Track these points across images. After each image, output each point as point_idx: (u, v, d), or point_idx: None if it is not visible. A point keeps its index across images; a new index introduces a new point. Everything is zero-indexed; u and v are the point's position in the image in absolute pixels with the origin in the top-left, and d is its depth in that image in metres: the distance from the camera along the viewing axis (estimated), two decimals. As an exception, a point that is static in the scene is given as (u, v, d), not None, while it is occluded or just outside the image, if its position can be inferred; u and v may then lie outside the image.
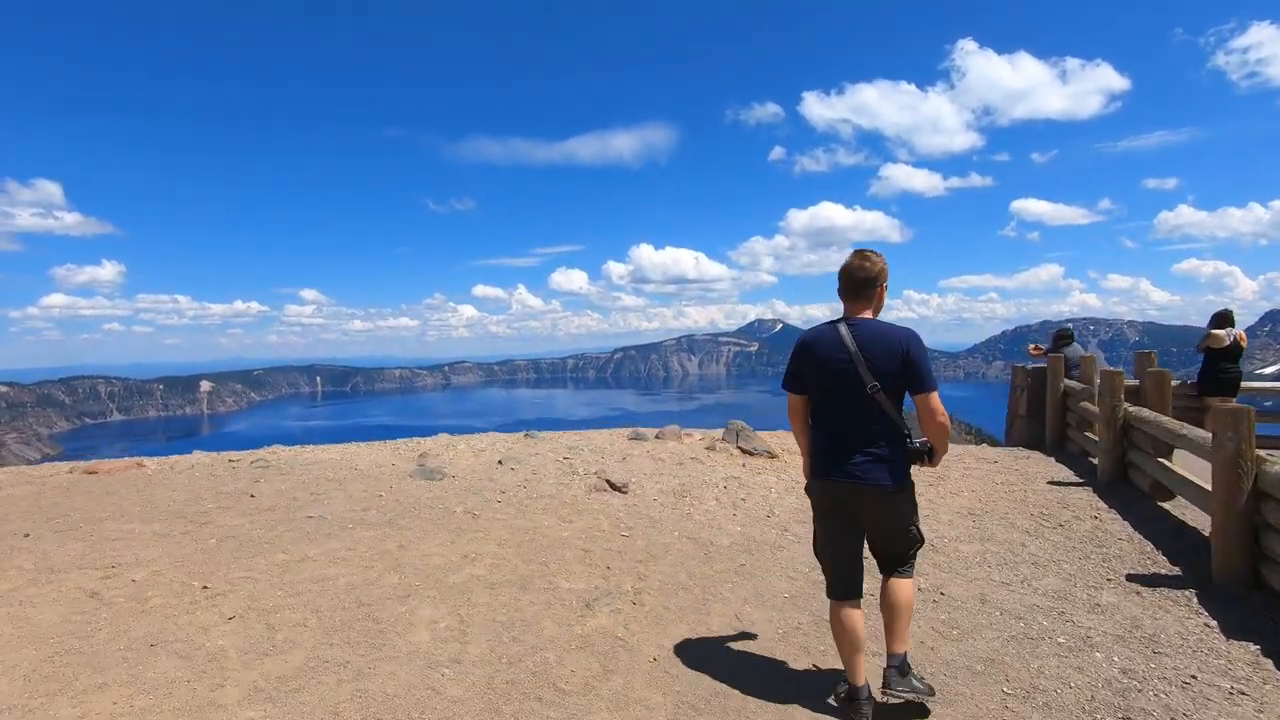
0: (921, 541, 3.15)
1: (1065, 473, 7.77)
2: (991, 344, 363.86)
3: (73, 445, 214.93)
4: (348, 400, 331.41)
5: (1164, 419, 6.19)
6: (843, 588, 3.06)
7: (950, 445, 8.85)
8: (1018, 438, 10.46)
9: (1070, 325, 10.23)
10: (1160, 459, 6.22)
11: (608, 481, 5.93)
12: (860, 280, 3.02)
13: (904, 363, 2.89)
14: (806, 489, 3.18)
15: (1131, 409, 6.80)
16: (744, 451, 7.68)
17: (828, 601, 3.12)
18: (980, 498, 6.55)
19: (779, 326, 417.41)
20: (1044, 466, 8.13)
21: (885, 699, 2.99)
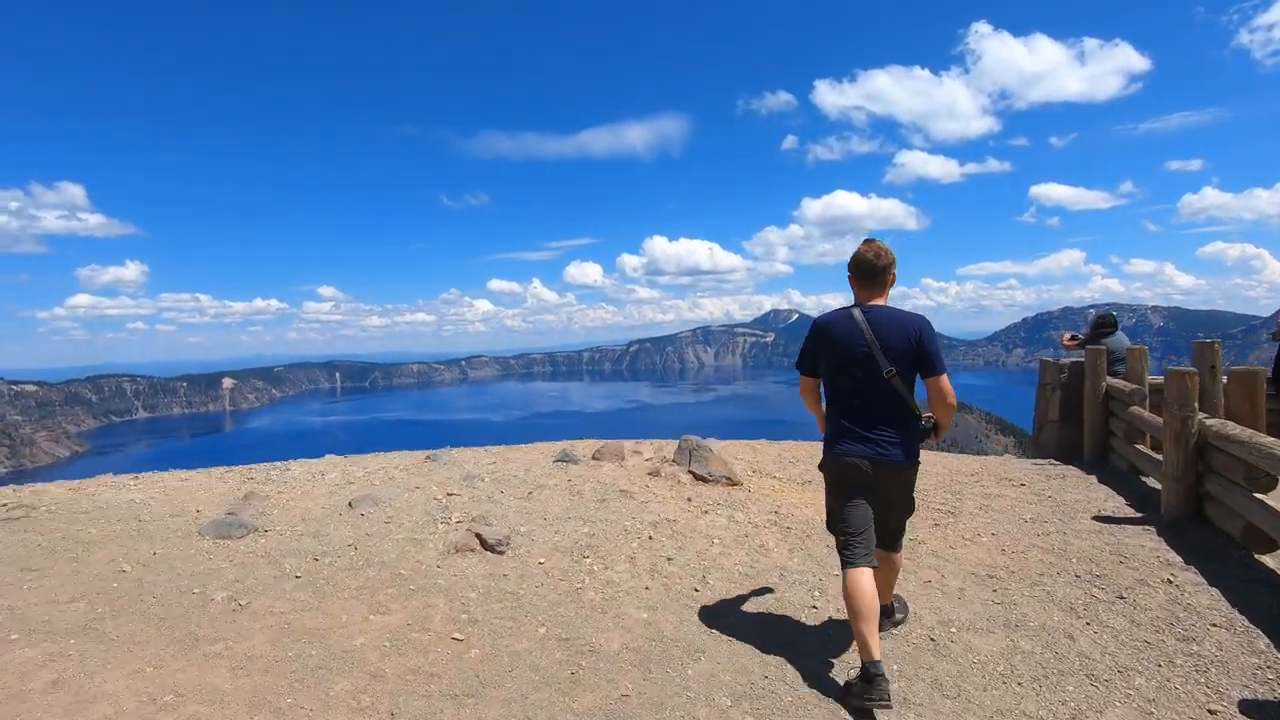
0: (913, 510, 3.44)
1: (1114, 500, 6.01)
2: (1012, 331, 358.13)
3: (100, 443, 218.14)
4: (367, 395, 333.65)
5: (1262, 439, 4.42)
6: (858, 555, 3.14)
7: (968, 458, 7.58)
8: (1048, 447, 8.66)
9: (1113, 311, 8.43)
10: (1258, 494, 4.47)
11: (479, 536, 4.23)
12: (874, 269, 3.19)
13: (917, 348, 3.09)
14: (821, 464, 3.36)
15: (1211, 423, 5.02)
16: (696, 478, 6.00)
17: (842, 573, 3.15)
18: (1003, 545, 4.82)
19: (795, 316, 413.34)
20: (1085, 490, 6.37)
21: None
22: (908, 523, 3.54)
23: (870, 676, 2.87)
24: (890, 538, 3.39)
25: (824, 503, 3.44)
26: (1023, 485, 6.53)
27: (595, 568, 4.07)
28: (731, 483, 5.98)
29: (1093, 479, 6.89)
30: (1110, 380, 7.66)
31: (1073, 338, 8.72)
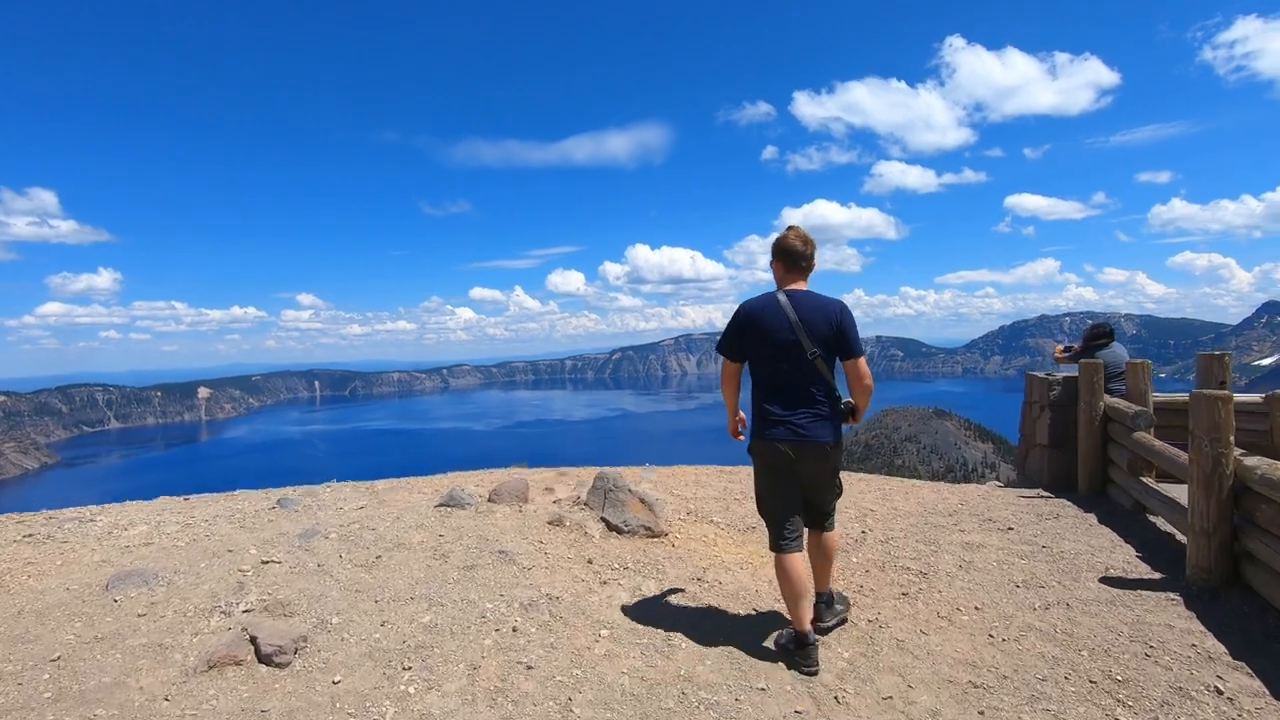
0: (841, 492, 3.61)
1: (1121, 550, 4.88)
2: (989, 339, 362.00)
3: (71, 454, 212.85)
4: (347, 405, 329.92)
5: (1330, 489, 3.32)
6: (787, 540, 3.34)
7: (946, 489, 6.84)
8: (1036, 474, 7.56)
9: (1109, 321, 7.37)
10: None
11: (254, 641, 2.92)
12: (798, 254, 3.33)
13: (838, 331, 3.23)
14: (749, 449, 3.44)
15: (1252, 463, 3.90)
16: (609, 528, 4.79)
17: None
18: (991, 627, 3.66)
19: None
20: (1084, 535, 5.25)
21: (822, 627, 3.42)
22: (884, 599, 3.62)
23: (803, 644, 3.21)
24: (821, 518, 3.50)
25: (763, 551, 3.81)
26: (1010, 529, 5.39)
27: (412, 689, 2.76)
28: (651, 534, 4.78)
29: (1091, 518, 5.78)
30: (1109, 400, 6.57)
31: (1065, 349, 7.64)
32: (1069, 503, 6.35)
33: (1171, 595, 4.04)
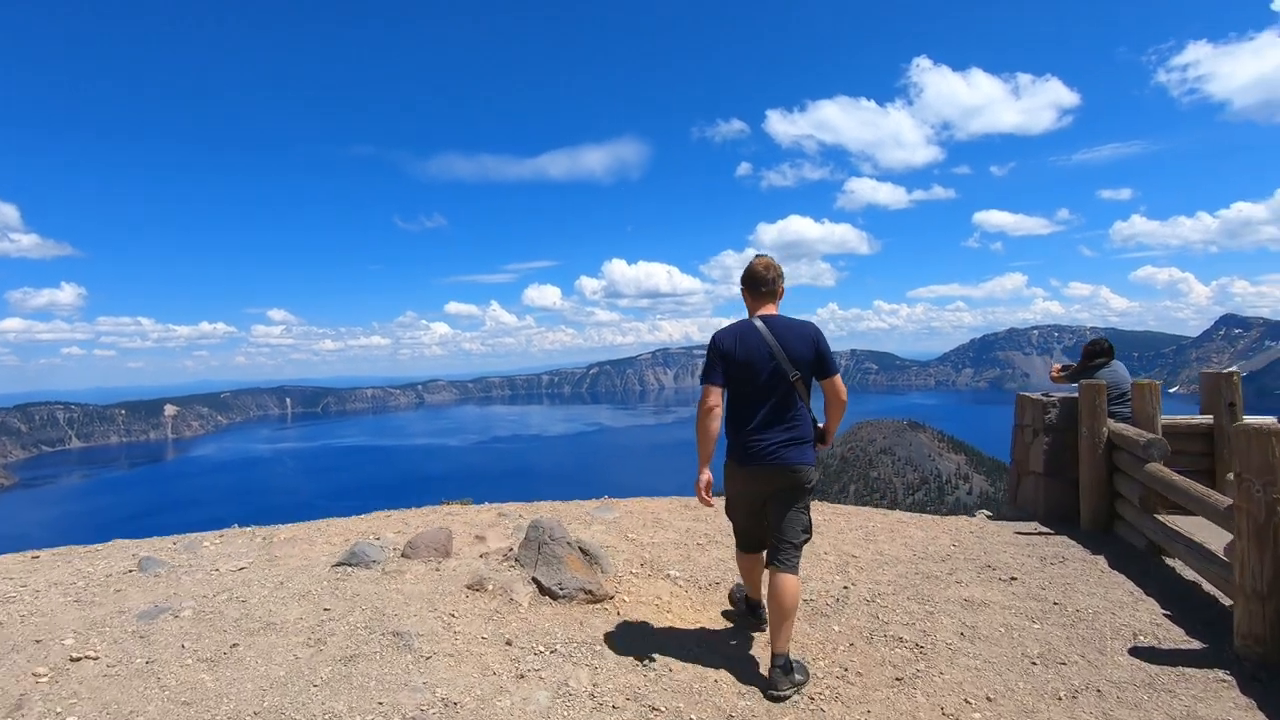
0: (809, 536, 3.42)
1: (1145, 607, 4.15)
2: (961, 352, 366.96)
3: (29, 475, 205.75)
4: (319, 421, 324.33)
5: None
6: (751, 545, 3.62)
7: (934, 524, 6.22)
8: (1030, 505, 6.86)
9: (1104, 338, 6.71)
10: None
11: None
12: (767, 280, 3.44)
13: (816, 352, 3.31)
14: (726, 470, 3.46)
15: (1319, 513, 3.19)
16: (541, 591, 3.94)
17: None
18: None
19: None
20: (1100, 587, 4.51)
21: (776, 695, 3.11)
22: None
23: (754, 608, 3.82)
24: (782, 549, 3.33)
25: (726, 600, 4.08)
26: (1014, 580, 4.64)
27: None
28: (593, 598, 3.93)
29: (1101, 562, 5.06)
30: (1114, 425, 5.88)
31: (1063, 369, 6.97)
32: (1072, 541, 5.64)
33: (1221, 675, 3.30)
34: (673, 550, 5.09)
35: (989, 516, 7.25)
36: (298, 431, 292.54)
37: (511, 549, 4.50)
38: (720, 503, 3.78)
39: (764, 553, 3.49)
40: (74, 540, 5.20)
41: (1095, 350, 6.62)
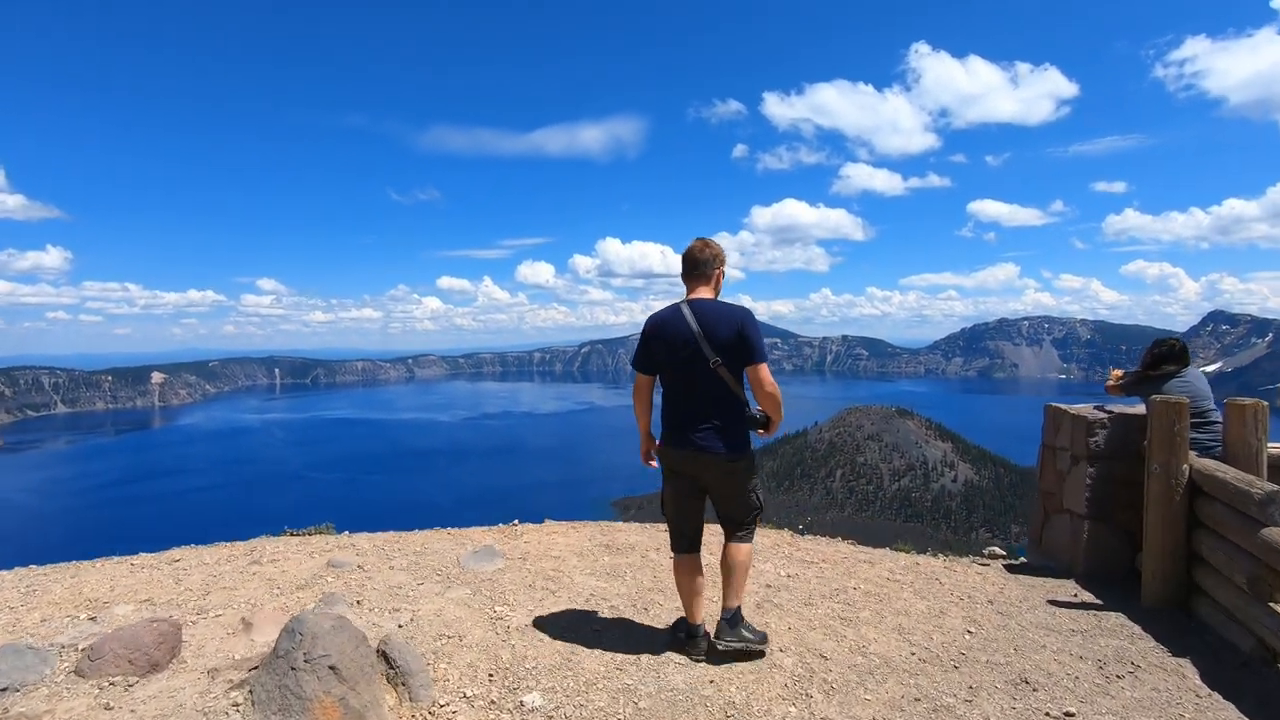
0: (761, 509, 3.39)
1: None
2: (951, 341, 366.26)
3: (14, 439, 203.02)
4: (308, 393, 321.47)
5: None
6: (683, 543, 3.40)
7: (937, 568, 5.08)
8: (1063, 552, 5.21)
9: (1176, 338, 4.98)
10: None
11: None
12: (700, 261, 3.31)
13: (740, 337, 3.14)
14: (657, 454, 3.40)
15: None
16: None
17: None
18: None
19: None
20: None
21: (720, 647, 3.25)
22: None
23: (693, 635, 3.36)
24: (730, 525, 3.36)
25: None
26: (1070, 718, 2.97)
27: None
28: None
29: (1189, 673, 3.42)
30: (1200, 462, 4.20)
31: (1123, 375, 5.22)
32: (1133, 624, 3.99)
33: None
34: (555, 644, 3.38)
35: (1006, 564, 5.60)
36: (286, 402, 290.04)
37: (266, 650, 2.77)
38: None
39: (699, 557, 3.41)
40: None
41: (1163, 353, 4.90)
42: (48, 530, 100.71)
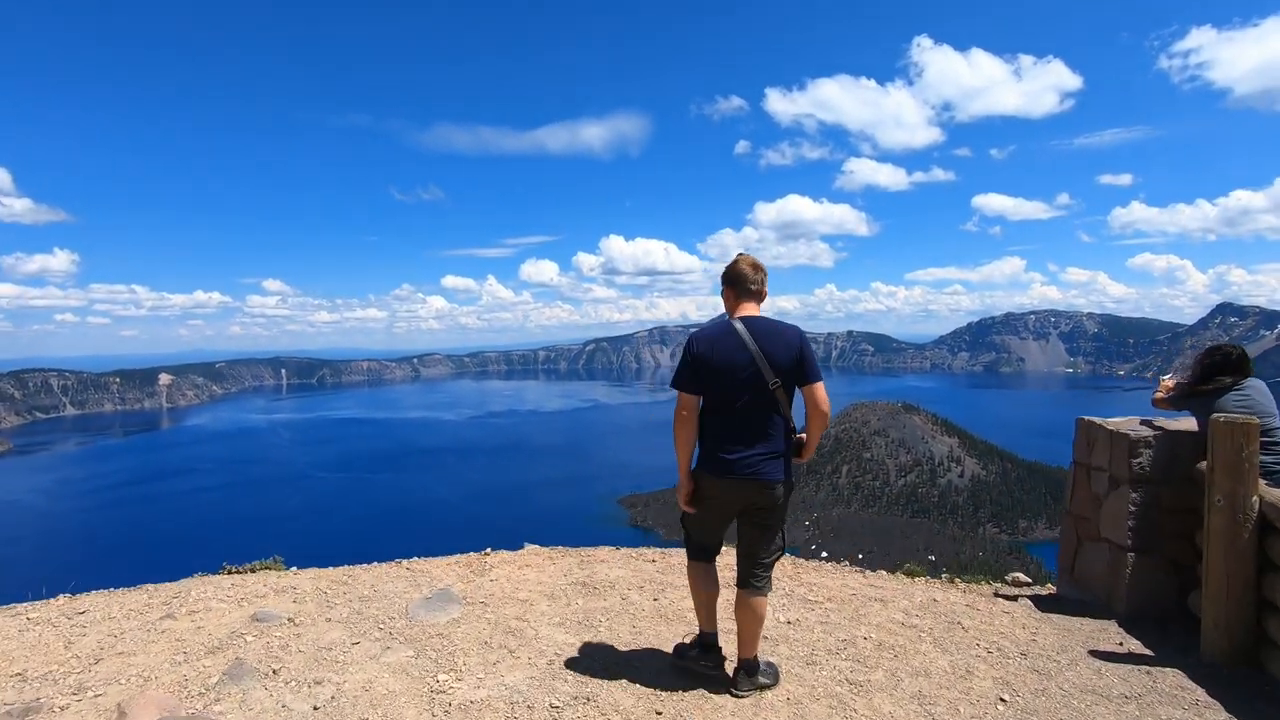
0: (783, 551, 3.27)
1: None
2: (957, 336, 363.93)
3: (23, 441, 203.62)
4: (314, 393, 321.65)
5: None
6: (703, 554, 3.28)
7: (959, 610, 4.45)
8: (1100, 588, 4.59)
9: (1235, 345, 4.35)
10: None
11: None
12: (750, 280, 3.20)
13: (799, 357, 3.05)
14: (694, 477, 3.14)
15: None
16: None
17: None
18: None
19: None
20: None
21: (736, 695, 3.11)
22: None
23: (708, 646, 3.26)
24: (757, 571, 3.19)
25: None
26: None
27: None
28: None
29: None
30: (1273, 494, 3.58)
31: (1169, 386, 4.59)
32: (1199, 689, 3.37)
33: None
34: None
35: (1034, 596, 4.98)
36: (293, 402, 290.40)
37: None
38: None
39: (715, 566, 3.31)
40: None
41: (1217, 362, 4.26)
42: (59, 530, 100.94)
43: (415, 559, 5.23)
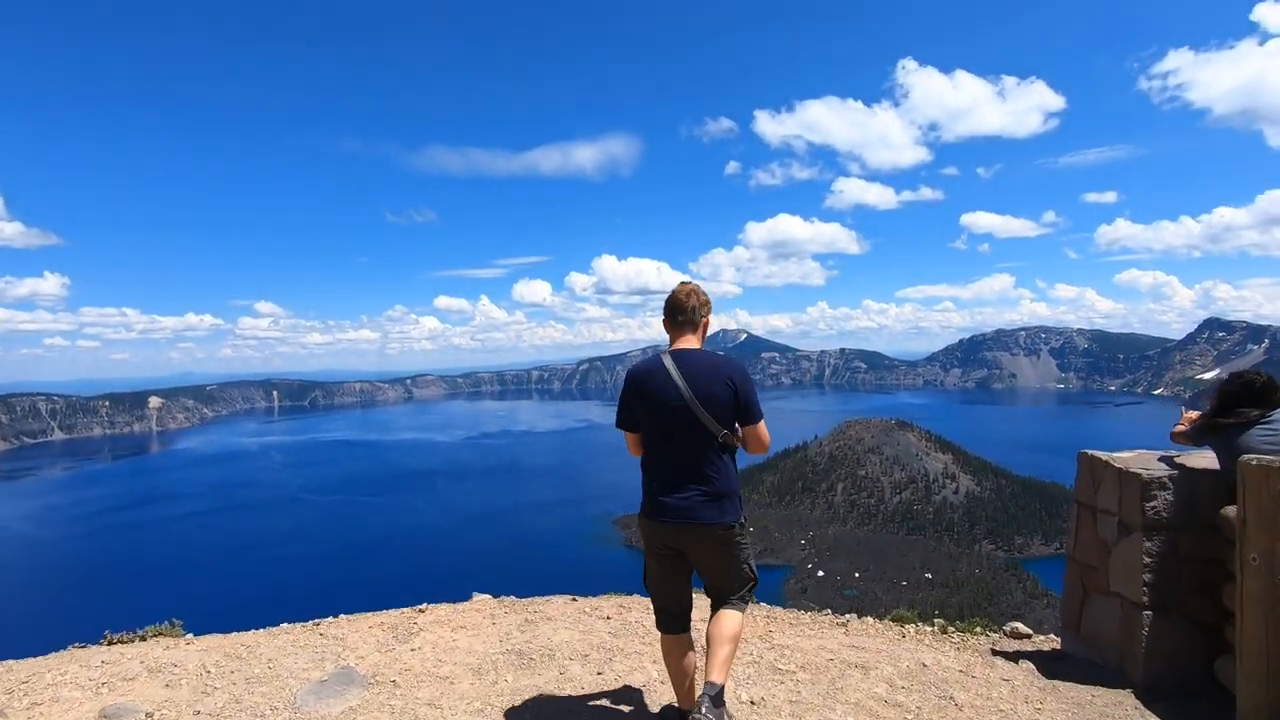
0: (755, 580, 3.07)
1: None
2: (949, 352, 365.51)
3: (10, 466, 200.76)
4: (306, 415, 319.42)
5: None
6: (672, 623, 3.03)
7: (957, 684, 3.84)
8: (1109, 647, 4.03)
9: (1259, 371, 3.80)
10: None
11: None
12: (686, 308, 3.01)
13: (735, 395, 2.88)
14: (639, 527, 3.06)
15: None
16: None
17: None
18: None
19: (743, 337, 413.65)
20: None
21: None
22: None
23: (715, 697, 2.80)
24: (722, 596, 3.00)
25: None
26: None
27: None
28: None
29: None
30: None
31: (1191, 419, 4.02)
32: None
33: None
34: None
35: (1037, 656, 4.40)
36: (284, 425, 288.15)
37: None
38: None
39: (690, 636, 3.05)
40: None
41: (1236, 391, 3.71)
42: (44, 559, 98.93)
43: (339, 618, 4.62)
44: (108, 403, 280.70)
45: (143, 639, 4.22)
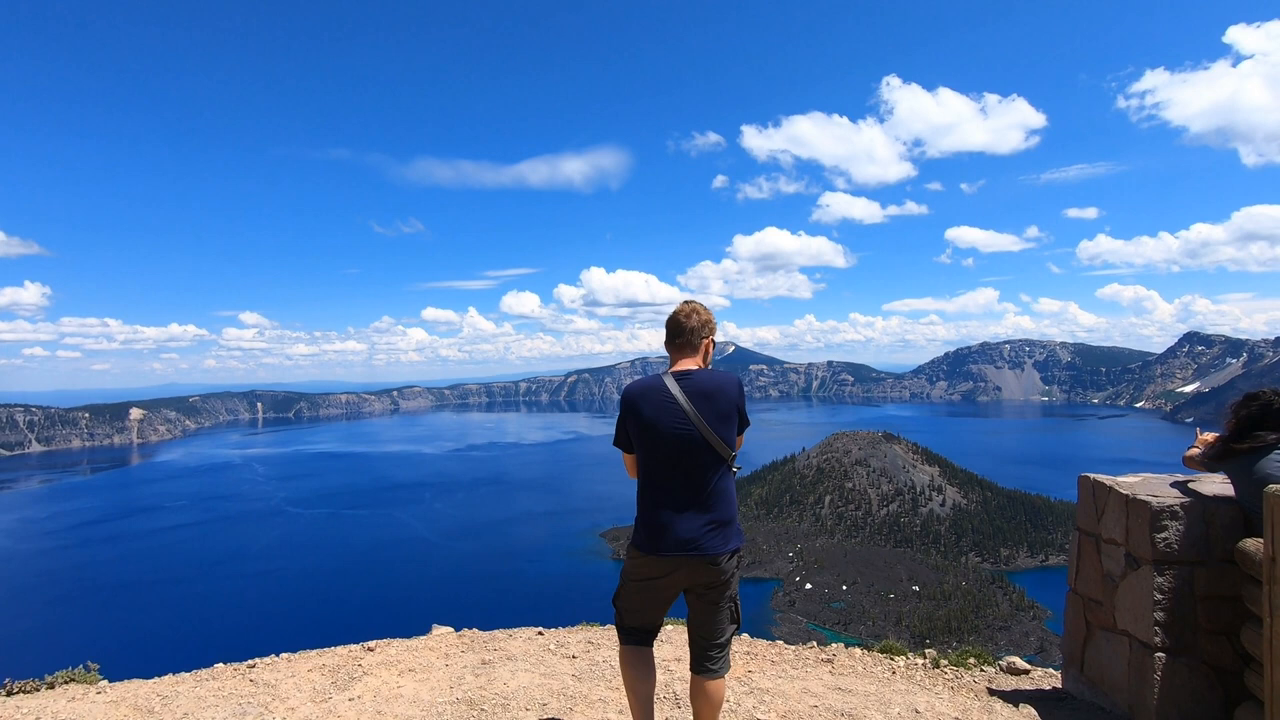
0: (739, 624, 2.93)
1: None
2: (935, 365, 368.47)
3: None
4: (291, 427, 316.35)
5: None
6: (639, 636, 2.88)
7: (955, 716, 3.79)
8: (1114, 689, 3.69)
9: (1278, 390, 3.54)
10: None
11: None
12: (686, 329, 2.91)
13: (738, 414, 2.81)
14: (628, 553, 2.90)
15: None
16: None
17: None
18: None
19: (731, 349, 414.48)
20: None
21: None
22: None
23: None
24: (711, 654, 2.82)
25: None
26: None
27: None
28: None
29: None
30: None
31: (1206, 441, 3.70)
32: None
33: None
34: None
35: (1039, 701, 4.05)
36: (268, 437, 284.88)
37: None
38: None
39: (651, 651, 2.90)
40: None
41: (1254, 413, 3.40)
42: (16, 573, 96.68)
43: (279, 658, 4.20)
44: (88, 414, 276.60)
45: (50, 686, 3.79)
